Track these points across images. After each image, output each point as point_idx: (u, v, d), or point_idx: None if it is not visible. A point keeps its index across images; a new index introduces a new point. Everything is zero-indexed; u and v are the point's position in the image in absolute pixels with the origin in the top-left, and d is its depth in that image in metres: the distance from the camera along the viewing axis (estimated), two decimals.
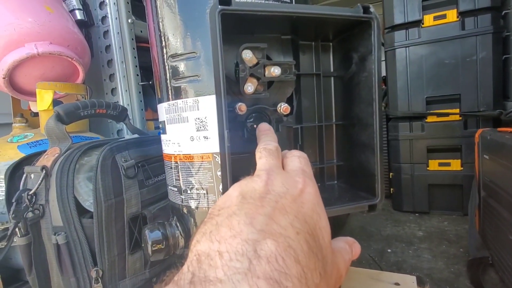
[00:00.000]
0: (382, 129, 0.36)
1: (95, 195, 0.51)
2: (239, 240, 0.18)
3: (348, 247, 0.26)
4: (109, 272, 0.53)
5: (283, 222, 0.20)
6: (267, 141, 0.30)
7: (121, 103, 0.95)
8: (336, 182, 0.45)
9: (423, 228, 1.05)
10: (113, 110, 0.68)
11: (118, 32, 0.95)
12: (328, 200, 0.39)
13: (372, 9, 0.34)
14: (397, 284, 0.55)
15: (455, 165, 1.14)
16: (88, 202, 0.54)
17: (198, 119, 0.38)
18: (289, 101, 0.40)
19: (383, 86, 1.50)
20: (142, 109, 0.96)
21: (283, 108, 0.37)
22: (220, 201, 0.24)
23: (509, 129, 0.72)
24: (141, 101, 0.96)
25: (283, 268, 0.17)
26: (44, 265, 0.54)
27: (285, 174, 0.25)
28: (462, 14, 1.08)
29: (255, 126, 0.38)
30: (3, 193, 0.62)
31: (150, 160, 0.61)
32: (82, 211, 0.54)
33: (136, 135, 0.72)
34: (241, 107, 0.35)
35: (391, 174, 1.31)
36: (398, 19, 1.17)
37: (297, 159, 0.27)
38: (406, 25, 1.17)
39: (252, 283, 0.16)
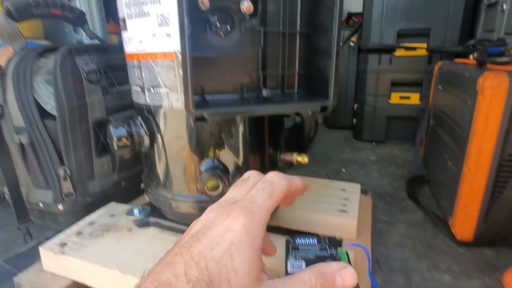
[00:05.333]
0: (340, 35, 0.37)
1: (56, 96, 0.51)
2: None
3: (314, 279, 0.22)
4: (76, 172, 0.55)
5: (179, 269, 0.19)
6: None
7: None
8: (296, 91, 0.47)
9: (376, 154, 1.15)
10: (69, 12, 0.63)
11: None
12: (285, 102, 0.42)
13: None
14: (343, 189, 0.63)
15: (414, 98, 1.22)
16: (49, 105, 0.54)
17: (160, 14, 0.37)
18: (254, 1, 0.39)
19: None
20: (103, 19, 0.89)
21: (246, 6, 0.36)
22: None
23: (464, 60, 0.77)
24: (101, 9, 0.89)
25: None
26: (9, 164, 0.55)
27: (219, 209, 0.23)
28: None
29: (218, 24, 0.38)
30: None
31: (113, 68, 0.60)
32: (44, 114, 0.54)
33: (96, 41, 0.68)
34: (204, 1, 0.34)
35: (355, 106, 1.37)
36: None
37: (250, 186, 0.26)
38: None
39: None
